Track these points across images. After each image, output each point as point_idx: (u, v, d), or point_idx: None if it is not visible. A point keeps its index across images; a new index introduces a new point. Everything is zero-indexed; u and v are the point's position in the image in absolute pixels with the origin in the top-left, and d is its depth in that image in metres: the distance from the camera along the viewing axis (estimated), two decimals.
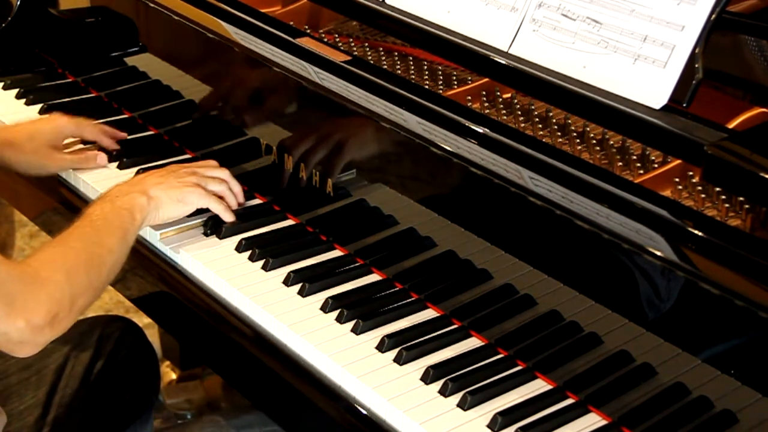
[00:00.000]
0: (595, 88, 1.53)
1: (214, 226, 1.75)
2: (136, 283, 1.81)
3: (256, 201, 1.85)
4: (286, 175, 1.81)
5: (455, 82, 1.72)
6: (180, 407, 2.64)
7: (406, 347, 1.49)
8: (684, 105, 1.46)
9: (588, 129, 1.57)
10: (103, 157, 1.94)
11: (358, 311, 1.56)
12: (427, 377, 1.44)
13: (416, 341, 1.51)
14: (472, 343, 1.53)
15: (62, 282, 1.45)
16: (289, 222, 1.80)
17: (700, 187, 1.42)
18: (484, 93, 1.68)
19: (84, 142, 1.99)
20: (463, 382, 1.43)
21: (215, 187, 1.75)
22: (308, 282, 1.61)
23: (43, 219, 2.11)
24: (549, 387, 1.45)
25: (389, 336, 1.51)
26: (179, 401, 2.64)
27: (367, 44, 1.85)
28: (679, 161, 1.46)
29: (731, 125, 1.46)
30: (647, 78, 1.49)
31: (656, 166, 1.48)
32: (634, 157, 1.50)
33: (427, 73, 1.75)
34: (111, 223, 1.59)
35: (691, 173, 1.44)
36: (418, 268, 1.63)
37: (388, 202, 1.67)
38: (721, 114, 1.48)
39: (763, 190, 1.30)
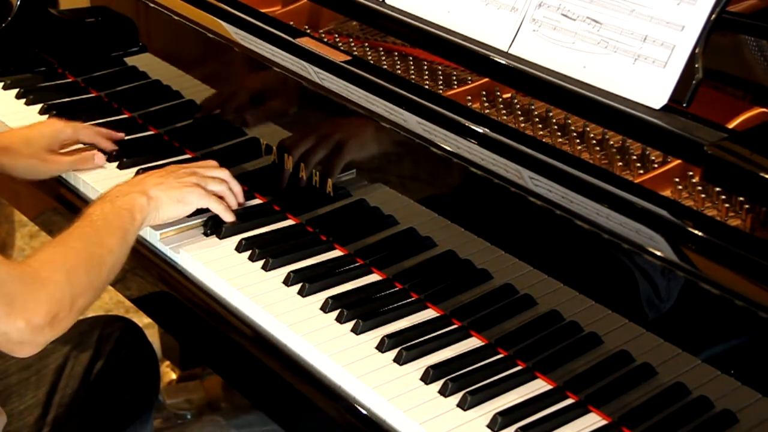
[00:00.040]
0: (595, 88, 1.53)
1: (214, 226, 1.75)
2: (136, 283, 1.80)
3: (256, 201, 1.85)
4: (286, 175, 1.81)
5: (455, 82, 1.72)
6: (180, 407, 2.64)
7: (406, 347, 1.49)
8: (684, 105, 1.46)
9: (588, 129, 1.57)
10: (100, 156, 1.94)
11: (358, 311, 1.56)
12: (427, 377, 1.44)
13: (416, 341, 1.51)
14: (472, 343, 1.53)
15: (62, 282, 1.46)
16: (289, 222, 1.80)
17: (700, 187, 1.42)
18: (484, 93, 1.68)
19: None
20: (463, 382, 1.43)
21: (215, 187, 1.75)
22: (308, 282, 1.61)
23: (43, 219, 2.11)
24: (549, 387, 1.45)
25: (389, 336, 1.51)
26: (179, 401, 2.64)
27: (367, 44, 1.85)
28: (679, 161, 1.46)
29: (731, 125, 1.46)
30: (647, 78, 1.49)
31: (656, 166, 1.48)
32: (634, 157, 1.50)
33: (427, 73, 1.75)
34: (111, 223, 1.59)
35: (691, 173, 1.44)
36: (418, 268, 1.63)
37: (388, 202, 1.67)
38: (721, 114, 1.48)
39: (763, 190, 1.30)
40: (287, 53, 1.80)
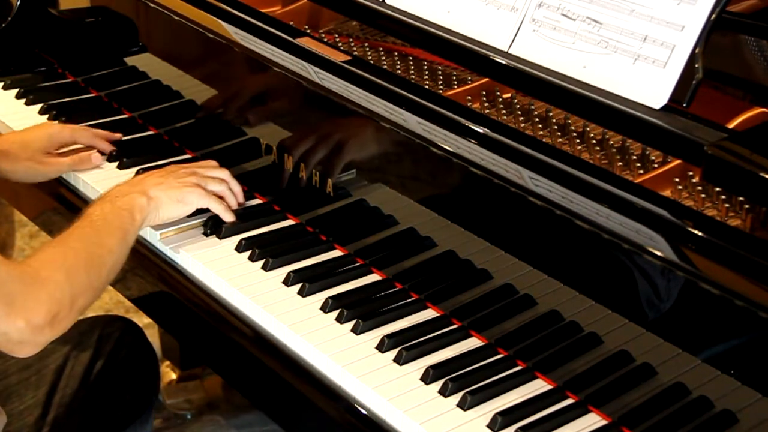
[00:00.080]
0: (595, 88, 1.53)
1: (214, 226, 1.75)
2: (136, 283, 1.81)
3: (256, 201, 1.85)
4: (286, 175, 1.81)
5: (455, 82, 1.72)
6: (180, 407, 2.64)
7: (406, 347, 1.49)
8: (684, 105, 1.46)
9: (588, 129, 1.57)
10: (97, 157, 1.94)
11: (358, 311, 1.56)
12: (427, 377, 1.44)
13: (416, 341, 1.51)
14: (472, 343, 1.53)
15: (62, 282, 1.46)
16: (289, 222, 1.80)
17: (700, 187, 1.42)
18: (484, 93, 1.68)
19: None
20: (463, 382, 1.43)
21: (215, 187, 1.75)
22: (308, 282, 1.61)
23: (43, 219, 2.11)
24: (549, 387, 1.45)
25: (389, 336, 1.51)
26: (179, 401, 2.64)
27: (367, 44, 1.85)
28: (679, 161, 1.46)
29: (731, 125, 1.46)
30: (647, 78, 1.49)
31: (656, 166, 1.48)
32: (634, 157, 1.50)
33: (427, 73, 1.75)
34: (111, 223, 1.59)
35: (691, 173, 1.44)
36: (418, 268, 1.63)
37: (388, 202, 1.67)
38: (721, 114, 1.48)
39: (763, 190, 1.30)
40: (287, 53, 1.80)
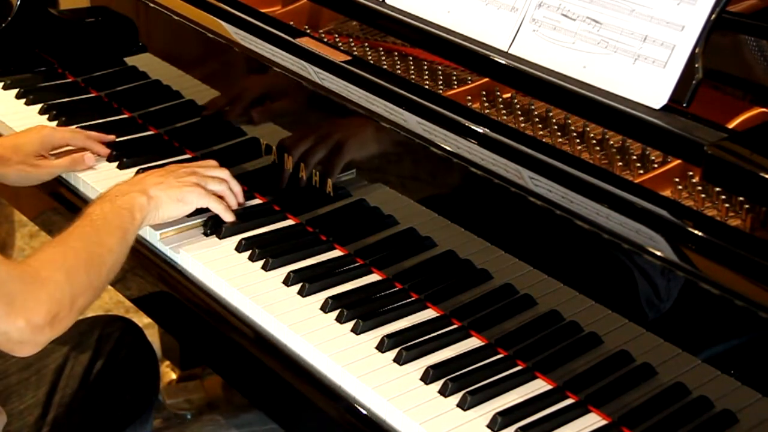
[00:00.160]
0: (595, 88, 1.53)
1: (214, 226, 1.75)
2: (136, 283, 1.81)
3: (256, 201, 1.85)
4: (286, 175, 1.81)
5: (455, 82, 1.72)
6: (180, 407, 2.64)
7: (406, 347, 1.49)
8: (684, 105, 1.46)
9: (588, 129, 1.57)
10: (90, 157, 1.93)
11: (358, 311, 1.56)
12: (427, 377, 1.44)
13: (416, 341, 1.51)
14: (472, 343, 1.53)
15: (62, 282, 1.46)
16: (289, 222, 1.80)
17: (700, 187, 1.42)
18: (484, 93, 1.68)
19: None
20: (463, 382, 1.43)
21: (215, 186, 1.75)
22: (308, 282, 1.61)
23: (43, 219, 2.11)
24: (549, 387, 1.45)
25: (389, 336, 1.51)
26: (179, 401, 2.64)
27: (367, 44, 1.85)
28: (679, 161, 1.46)
29: (731, 125, 1.46)
30: (647, 78, 1.49)
31: (656, 166, 1.48)
32: (634, 157, 1.50)
33: (427, 73, 1.75)
34: (111, 222, 1.59)
35: (691, 173, 1.44)
36: (418, 268, 1.63)
37: (388, 202, 1.67)
38: (721, 114, 1.48)
39: (763, 190, 1.30)
40: (287, 53, 1.80)
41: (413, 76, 1.75)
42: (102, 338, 1.88)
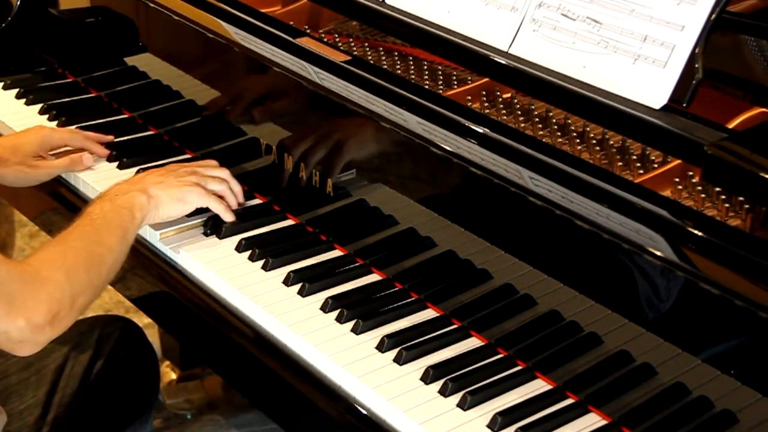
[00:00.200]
0: (595, 88, 1.53)
1: (214, 226, 1.75)
2: (136, 283, 1.80)
3: (256, 201, 1.85)
4: (286, 175, 1.81)
5: (455, 82, 1.72)
6: (180, 407, 2.64)
7: (406, 347, 1.49)
8: (684, 105, 1.46)
9: (588, 129, 1.57)
10: (88, 158, 1.93)
11: (358, 311, 1.56)
12: (427, 377, 1.44)
13: (416, 341, 1.51)
14: (472, 343, 1.53)
15: (62, 281, 1.46)
16: (289, 222, 1.80)
17: (700, 187, 1.42)
18: (484, 93, 1.68)
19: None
20: (463, 382, 1.43)
21: (215, 186, 1.75)
22: (308, 282, 1.61)
23: (43, 219, 2.11)
24: (549, 387, 1.45)
25: (389, 336, 1.51)
26: (179, 401, 2.64)
27: (367, 44, 1.85)
28: (679, 161, 1.46)
29: (731, 125, 1.46)
30: (647, 78, 1.49)
31: (656, 166, 1.48)
32: (634, 157, 1.50)
33: (427, 73, 1.75)
34: (111, 221, 1.59)
35: (691, 173, 1.44)
36: (418, 268, 1.63)
37: (388, 202, 1.67)
38: (721, 114, 1.48)
39: (763, 190, 1.30)
40: (287, 53, 1.80)
41: (413, 76, 1.75)
42: (102, 338, 1.88)
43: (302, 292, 1.61)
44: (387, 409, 1.41)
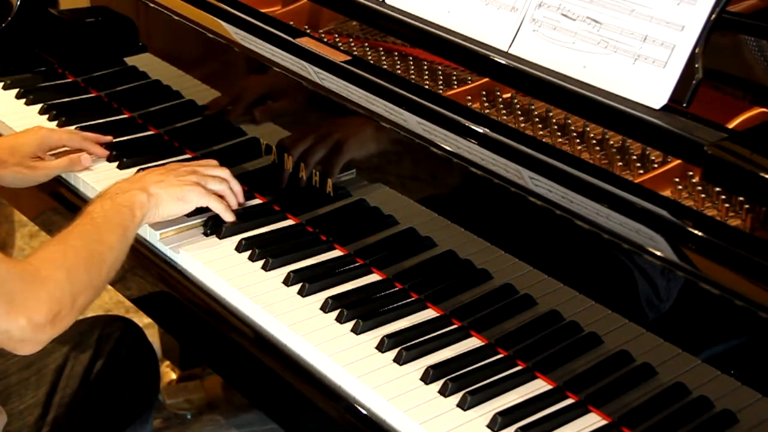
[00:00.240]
0: (595, 88, 1.53)
1: (214, 226, 1.75)
2: (136, 283, 1.80)
3: (256, 201, 1.85)
4: (286, 175, 1.81)
5: (455, 82, 1.72)
6: (180, 407, 2.64)
7: (406, 347, 1.49)
8: (684, 105, 1.46)
9: (588, 129, 1.57)
10: (87, 158, 1.93)
11: (358, 311, 1.56)
12: (427, 377, 1.44)
13: (416, 341, 1.51)
14: (472, 343, 1.53)
15: (63, 280, 1.46)
16: (289, 222, 1.80)
17: (700, 187, 1.42)
18: (484, 93, 1.68)
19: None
20: (463, 382, 1.43)
21: (215, 186, 1.75)
22: (308, 282, 1.61)
23: (43, 219, 2.11)
24: (549, 387, 1.45)
25: (389, 336, 1.51)
26: (179, 401, 2.64)
27: (367, 44, 1.85)
28: (679, 161, 1.46)
29: (731, 125, 1.46)
30: (647, 78, 1.49)
31: (656, 166, 1.48)
32: (634, 157, 1.50)
33: (427, 73, 1.75)
34: (111, 220, 1.59)
35: (691, 173, 1.44)
36: (418, 268, 1.63)
37: (388, 202, 1.67)
38: (721, 114, 1.48)
39: (763, 190, 1.30)
40: (287, 53, 1.80)
41: (413, 76, 1.75)
42: (102, 338, 1.88)
43: (302, 292, 1.61)
44: (387, 409, 1.41)
